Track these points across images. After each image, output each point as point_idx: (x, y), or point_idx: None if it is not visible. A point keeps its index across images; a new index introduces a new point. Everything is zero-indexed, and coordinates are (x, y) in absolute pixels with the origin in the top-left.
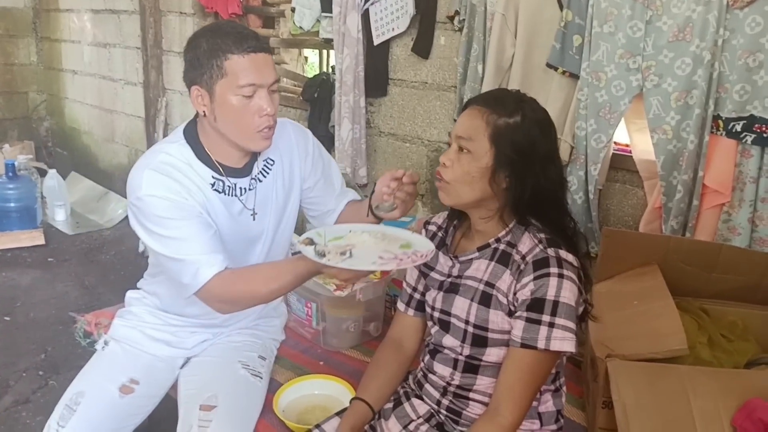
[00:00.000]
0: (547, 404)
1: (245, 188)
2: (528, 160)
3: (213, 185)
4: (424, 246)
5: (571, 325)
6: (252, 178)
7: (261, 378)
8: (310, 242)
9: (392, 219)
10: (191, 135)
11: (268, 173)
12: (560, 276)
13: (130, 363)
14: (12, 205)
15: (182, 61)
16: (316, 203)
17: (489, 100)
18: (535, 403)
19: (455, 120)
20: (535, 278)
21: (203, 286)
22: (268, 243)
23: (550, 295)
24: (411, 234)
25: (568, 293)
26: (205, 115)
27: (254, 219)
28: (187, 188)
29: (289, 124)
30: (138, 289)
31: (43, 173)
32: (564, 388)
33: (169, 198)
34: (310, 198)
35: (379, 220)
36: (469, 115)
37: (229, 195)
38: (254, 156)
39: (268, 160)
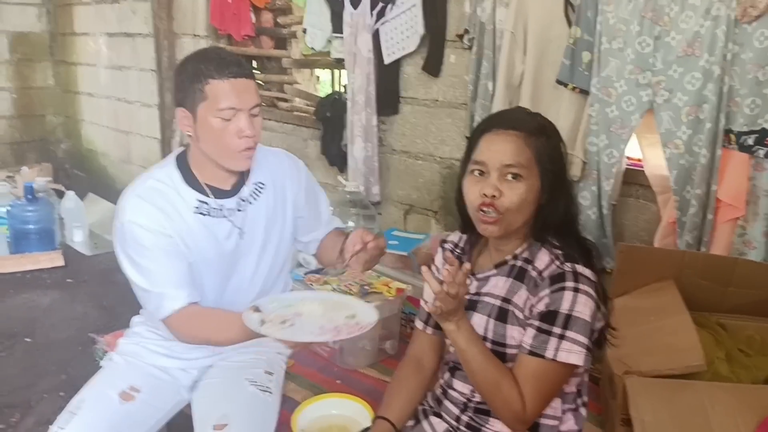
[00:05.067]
0: (569, 423)
1: (233, 209)
2: (562, 174)
3: (197, 208)
4: (368, 317)
5: (582, 339)
6: (241, 200)
7: (271, 393)
8: (257, 310)
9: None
10: (182, 158)
11: (258, 196)
12: (576, 290)
13: (131, 371)
14: (31, 227)
15: None
16: (303, 232)
17: (516, 123)
18: (556, 422)
19: (467, 137)
20: (551, 292)
21: (164, 319)
22: (253, 265)
23: (564, 308)
24: (360, 304)
25: (583, 307)
26: (189, 135)
27: (242, 238)
28: (169, 217)
29: (284, 155)
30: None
31: (60, 195)
32: (585, 407)
33: (150, 228)
34: (300, 227)
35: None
36: (507, 141)
37: (215, 217)
38: (242, 178)
39: (259, 184)
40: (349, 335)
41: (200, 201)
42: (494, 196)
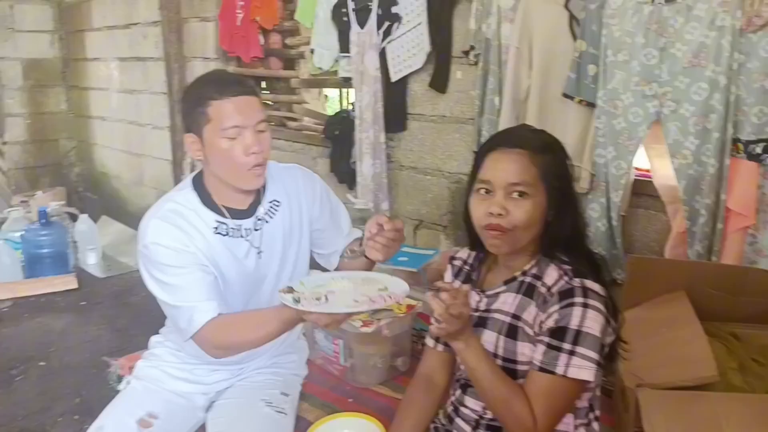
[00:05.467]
0: None
1: (250, 229)
2: (569, 190)
3: (216, 229)
4: (399, 288)
5: (593, 355)
6: (258, 219)
7: (285, 414)
8: (290, 290)
9: (378, 261)
10: (198, 181)
11: (274, 214)
12: (585, 306)
13: (149, 398)
14: (45, 251)
15: None
16: (323, 245)
17: (522, 141)
18: None
19: (475, 152)
20: (560, 308)
21: (197, 332)
22: (273, 282)
23: (574, 324)
24: (390, 278)
25: (592, 323)
26: (200, 160)
27: (260, 257)
28: (190, 236)
29: (297, 170)
30: (160, 333)
31: (74, 218)
32: (597, 422)
33: (172, 247)
34: (318, 239)
35: (369, 260)
36: (511, 159)
37: (234, 237)
38: (258, 197)
39: (275, 202)
40: (385, 304)
41: (219, 221)
42: (500, 215)
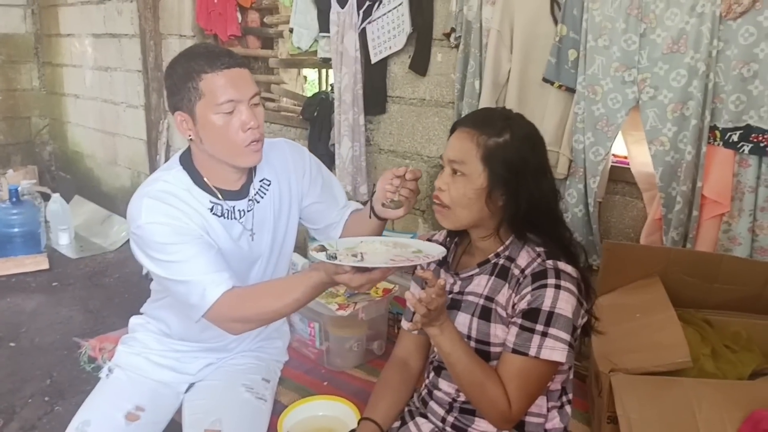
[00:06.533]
0: (554, 421)
1: (243, 210)
2: (521, 176)
3: (212, 209)
4: (434, 250)
5: (565, 336)
6: (249, 200)
7: (265, 401)
8: (322, 248)
9: (397, 217)
10: (187, 161)
11: (265, 194)
12: (557, 287)
13: (136, 390)
14: (16, 230)
15: None
16: (318, 219)
17: (477, 122)
18: (541, 420)
19: None
20: (533, 290)
21: (212, 307)
22: (264, 263)
23: (546, 305)
24: (422, 242)
25: (565, 304)
26: (191, 139)
27: (252, 239)
28: (186, 213)
29: (285, 144)
30: (141, 314)
31: (46, 197)
32: (570, 405)
33: (169, 223)
34: (312, 213)
35: (381, 221)
36: (459, 138)
37: (228, 218)
38: (250, 177)
39: (265, 181)
40: (423, 261)
41: (213, 202)
42: (441, 189)
